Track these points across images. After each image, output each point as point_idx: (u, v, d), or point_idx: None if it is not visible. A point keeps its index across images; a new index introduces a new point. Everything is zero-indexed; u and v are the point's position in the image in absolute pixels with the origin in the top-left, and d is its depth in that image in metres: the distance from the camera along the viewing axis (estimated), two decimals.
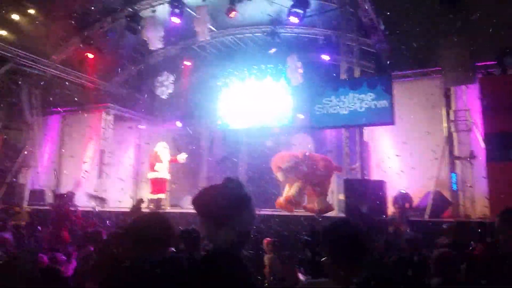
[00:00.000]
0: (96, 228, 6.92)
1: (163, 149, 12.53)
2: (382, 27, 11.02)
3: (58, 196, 8.12)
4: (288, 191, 10.74)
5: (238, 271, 1.66)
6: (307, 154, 10.61)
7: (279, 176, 10.89)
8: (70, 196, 8.40)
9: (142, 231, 2.25)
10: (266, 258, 6.17)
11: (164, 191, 12.48)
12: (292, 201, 10.42)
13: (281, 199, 10.69)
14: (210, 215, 1.73)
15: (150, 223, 2.33)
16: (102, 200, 11.81)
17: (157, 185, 12.17)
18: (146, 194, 12.73)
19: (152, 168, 12.27)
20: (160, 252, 2.24)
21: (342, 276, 1.89)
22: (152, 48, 12.37)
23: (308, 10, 10.98)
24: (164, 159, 12.40)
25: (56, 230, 6.92)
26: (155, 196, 12.05)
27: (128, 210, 7.52)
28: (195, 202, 1.79)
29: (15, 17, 12.16)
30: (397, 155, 10.74)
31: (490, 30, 9.19)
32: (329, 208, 10.57)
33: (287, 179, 10.78)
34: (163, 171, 12.32)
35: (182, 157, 12.68)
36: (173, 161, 12.69)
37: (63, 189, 14.25)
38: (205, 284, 1.63)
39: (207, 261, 1.71)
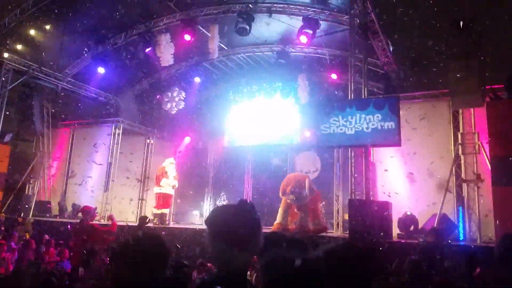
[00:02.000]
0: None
1: (169, 165, 12.62)
2: (391, 48, 11.11)
3: (83, 210, 8.16)
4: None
5: None
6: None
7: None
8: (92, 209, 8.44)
9: (138, 252, 2.21)
10: None
11: (169, 206, 12.52)
12: (281, 228, 10.40)
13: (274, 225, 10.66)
14: (227, 237, 1.65)
15: (145, 243, 2.28)
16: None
17: (162, 200, 12.23)
18: (151, 208, 12.79)
19: (158, 183, 12.35)
20: (157, 273, 2.20)
21: None
22: (163, 64, 12.57)
23: (317, 30, 11.16)
24: (170, 174, 12.48)
25: (80, 243, 6.93)
26: (159, 211, 12.09)
27: (134, 224, 7.55)
28: (210, 223, 1.73)
29: (32, 32, 12.50)
30: (403, 176, 10.69)
31: (500, 54, 9.24)
32: (324, 228, 10.55)
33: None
34: (168, 186, 12.39)
35: (174, 184, 12.66)
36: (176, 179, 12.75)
37: (70, 202, 14.44)
38: None
39: (221, 283, 1.62)
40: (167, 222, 12.10)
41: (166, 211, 12.33)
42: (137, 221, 8.74)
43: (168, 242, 2.32)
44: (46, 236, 9.43)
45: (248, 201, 1.81)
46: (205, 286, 1.78)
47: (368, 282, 1.86)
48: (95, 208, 12.20)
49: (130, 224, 10.79)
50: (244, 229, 1.66)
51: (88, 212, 7.88)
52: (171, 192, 12.57)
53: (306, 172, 13.59)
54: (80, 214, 8.57)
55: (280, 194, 10.67)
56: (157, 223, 11.76)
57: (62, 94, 14.27)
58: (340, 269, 1.78)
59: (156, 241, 2.31)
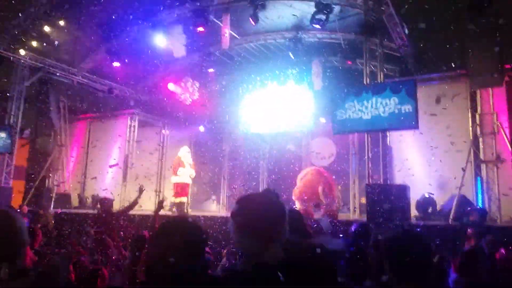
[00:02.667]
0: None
1: (186, 154, 12.72)
2: (407, 31, 10.98)
3: (103, 201, 8.33)
4: None
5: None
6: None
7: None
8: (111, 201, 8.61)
9: (175, 236, 2.12)
10: None
11: (186, 195, 12.67)
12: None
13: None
14: (256, 230, 1.61)
15: (181, 227, 2.14)
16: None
17: (180, 189, 12.37)
18: (170, 197, 12.96)
19: (175, 173, 12.49)
20: (195, 258, 2.21)
21: None
22: (176, 55, 12.61)
23: (331, 15, 11.06)
24: (186, 163, 12.60)
25: (103, 233, 7.08)
26: (178, 200, 12.25)
27: (151, 213, 7.66)
28: (236, 216, 1.68)
29: (46, 28, 12.64)
30: (421, 159, 10.65)
31: None
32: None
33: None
34: (185, 175, 12.51)
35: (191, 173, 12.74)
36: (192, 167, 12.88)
37: (89, 193, 14.72)
38: None
39: (261, 277, 1.55)
40: (185, 211, 12.25)
41: (184, 199, 12.46)
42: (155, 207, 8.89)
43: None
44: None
45: (273, 189, 1.77)
46: (234, 275, 1.69)
47: (430, 265, 1.83)
48: (113, 199, 12.44)
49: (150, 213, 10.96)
50: (276, 223, 1.62)
51: (106, 203, 8.04)
52: (189, 181, 12.70)
53: (322, 158, 13.66)
54: (98, 205, 8.74)
55: (294, 198, 10.64)
56: (175, 212, 11.92)
57: (77, 88, 14.46)
58: (401, 256, 1.74)
59: (192, 225, 2.30)
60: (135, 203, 7.79)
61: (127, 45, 13.35)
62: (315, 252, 2.13)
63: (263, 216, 1.61)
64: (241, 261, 1.74)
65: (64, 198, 14.33)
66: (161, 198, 9.81)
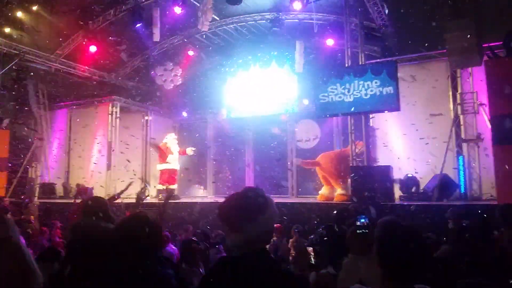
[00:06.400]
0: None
1: (172, 140, 12.66)
2: (387, 10, 10.91)
3: (83, 190, 8.25)
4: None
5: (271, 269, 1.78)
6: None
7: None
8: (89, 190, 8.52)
9: (130, 234, 2.20)
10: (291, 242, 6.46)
11: (175, 182, 12.64)
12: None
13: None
14: (228, 223, 1.86)
15: (137, 225, 2.25)
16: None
17: (168, 175, 12.34)
18: (156, 184, 12.90)
19: (163, 159, 12.41)
20: (150, 255, 2.21)
21: None
22: (155, 39, 12.36)
23: None
24: (174, 150, 12.54)
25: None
26: (164, 187, 12.22)
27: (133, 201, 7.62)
28: (220, 212, 1.90)
29: (19, 14, 12.23)
30: (403, 139, 10.74)
31: (497, 12, 9.08)
32: None
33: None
34: (173, 162, 12.47)
35: (190, 151, 12.80)
36: (182, 153, 12.82)
37: (73, 182, 14.55)
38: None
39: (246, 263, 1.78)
40: (176, 197, 12.21)
41: (173, 186, 12.46)
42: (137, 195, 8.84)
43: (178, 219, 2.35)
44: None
45: (255, 187, 1.93)
46: (222, 265, 1.87)
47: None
48: (92, 188, 12.35)
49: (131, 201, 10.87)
50: (242, 216, 1.82)
51: (83, 192, 7.95)
52: (177, 167, 12.68)
53: (306, 141, 13.72)
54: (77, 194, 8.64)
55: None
56: (162, 199, 11.87)
57: (56, 75, 14.12)
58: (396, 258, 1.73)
59: (149, 223, 2.28)
60: (119, 194, 7.71)
61: (104, 30, 13.04)
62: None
63: (235, 211, 1.83)
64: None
65: (48, 188, 14.14)
66: (143, 186, 9.75)
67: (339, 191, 10.32)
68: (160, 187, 12.35)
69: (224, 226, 1.89)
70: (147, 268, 2.17)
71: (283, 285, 1.75)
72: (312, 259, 5.49)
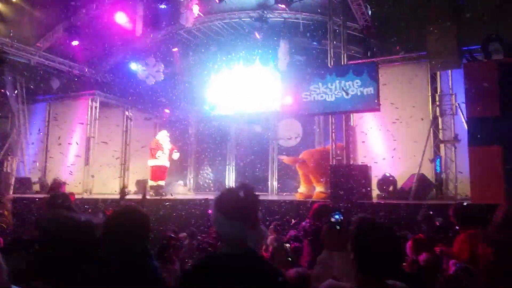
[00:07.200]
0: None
1: (164, 137, 12.58)
2: (369, 11, 11.03)
3: (56, 185, 8.11)
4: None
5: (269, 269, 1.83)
6: None
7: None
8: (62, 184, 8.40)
9: (119, 226, 2.23)
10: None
11: (164, 178, 12.57)
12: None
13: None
14: (241, 218, 1.81)
15: (127, 217, 2.29)
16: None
17: (158, 172, 12.28)
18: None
19: (153, 156, 12.34)
20: (138, 247, 2.22)
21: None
22: (138, 34, 12.22)
23: None
24: (165, 147, 12.48)
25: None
26: (155, 183, 12.14)
27: (115, 196, 7.57)
28: (220, 204, 1.86)
29: None
30: (383, 139, 10.89)
31: (476, 16, 9.28)
32: None
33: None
34: (164, 159, 12.41)
35: (176, 155, 12.72)
36: (171, 152, 12.72)
37: (50, 177, 14.28)
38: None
39: (243, 260, 1.78)
40: (164, 194, 12.12)
41: (162, 183, 12.39)
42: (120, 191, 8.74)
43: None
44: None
45: (248, 183, 1.99)
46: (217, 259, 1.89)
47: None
48: (64, 183, 12.13)
49: (111, 197, 10.75)
50: (256, 212, 1.87)
51: (57, 187, 7.86)
52: (167, 164, 12.61)
53: (288, 139, 13.78)
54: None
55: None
56: (152, 195, 11.79)
57: (35, 68, 13.83)
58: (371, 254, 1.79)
59: (139, 215, 2.31)
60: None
61: (86, 23, 12.82)
62: None
63: (248, 206, 1.84)
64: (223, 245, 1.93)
65: (24, 183, 13.84)
66: (123, 184, 9.66)
67: (318, 189, 10.40)
68: (152, 183, 12.27)
69: (232, 223, 1.81)
70: (136, 259, 2.17)
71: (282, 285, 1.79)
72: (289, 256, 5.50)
